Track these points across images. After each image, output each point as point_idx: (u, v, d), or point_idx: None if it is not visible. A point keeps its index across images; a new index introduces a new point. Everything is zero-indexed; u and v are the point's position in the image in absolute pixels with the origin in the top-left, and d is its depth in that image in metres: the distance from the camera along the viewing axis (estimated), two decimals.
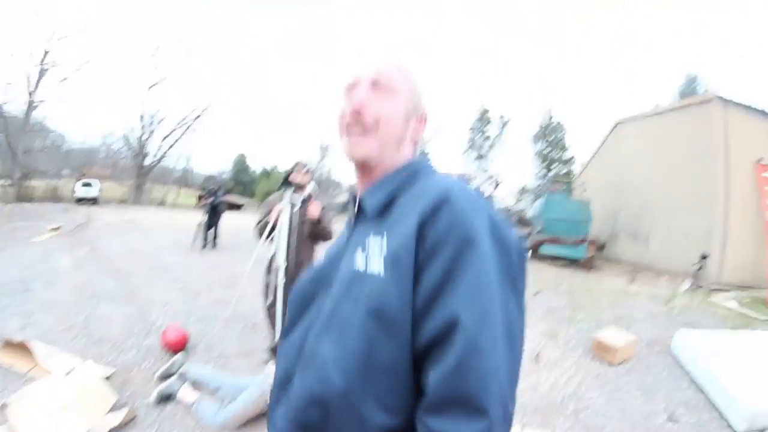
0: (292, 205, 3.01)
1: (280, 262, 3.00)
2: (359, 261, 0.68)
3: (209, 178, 8.90)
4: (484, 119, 37.00)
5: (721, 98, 9.15)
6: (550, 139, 37.35)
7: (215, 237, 8.36)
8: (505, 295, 0.60)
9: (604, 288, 7.27)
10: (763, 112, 9.15)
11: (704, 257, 8.22)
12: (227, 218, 9.13)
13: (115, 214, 10.63)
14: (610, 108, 47.30)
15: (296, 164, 3.10)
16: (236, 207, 31.38)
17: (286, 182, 3.06)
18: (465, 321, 0.56)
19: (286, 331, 0.80)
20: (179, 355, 3.06)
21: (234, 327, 4.05)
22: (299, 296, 0.80)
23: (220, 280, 5.68)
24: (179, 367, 2.90)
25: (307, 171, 3.10)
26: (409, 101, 0.78)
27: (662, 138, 11.52)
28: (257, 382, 2.64)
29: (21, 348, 2.63)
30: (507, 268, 0.62)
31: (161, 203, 26.99)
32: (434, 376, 0.57)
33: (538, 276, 8.05)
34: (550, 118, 37.94)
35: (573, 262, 11.77)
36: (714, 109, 9.06)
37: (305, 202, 3.03)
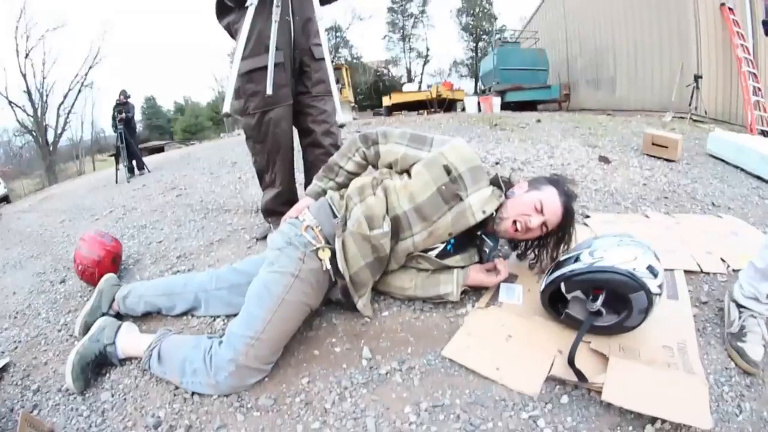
0: None
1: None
2: None
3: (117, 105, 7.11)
4: None
5: None
6: (475, 12, 35.25)
7: (140, 157, 6.69)
8: None
9: (596, 119, 6.61)
10: None
11: (698, 78, 8.09)
12: (150, 159, 7.60)
13: (29, 201, 8.99)
14: None
15: None
16: (159, 150, 28.10)
17: None
18: None
19: None
20: (105, 278, 1.64)
21: (186, 215, 2.89)
22: None
23: (158, 189, 4.33)
24: (111, 301, 1.57)
25: None
26: None
27: None
28: (286, 260, 1.28)
29: None
30: None
31: (79, 175, 24.03)
32: None
33: (521, 116, 7.03)
34: None
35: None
36: None
37: None
